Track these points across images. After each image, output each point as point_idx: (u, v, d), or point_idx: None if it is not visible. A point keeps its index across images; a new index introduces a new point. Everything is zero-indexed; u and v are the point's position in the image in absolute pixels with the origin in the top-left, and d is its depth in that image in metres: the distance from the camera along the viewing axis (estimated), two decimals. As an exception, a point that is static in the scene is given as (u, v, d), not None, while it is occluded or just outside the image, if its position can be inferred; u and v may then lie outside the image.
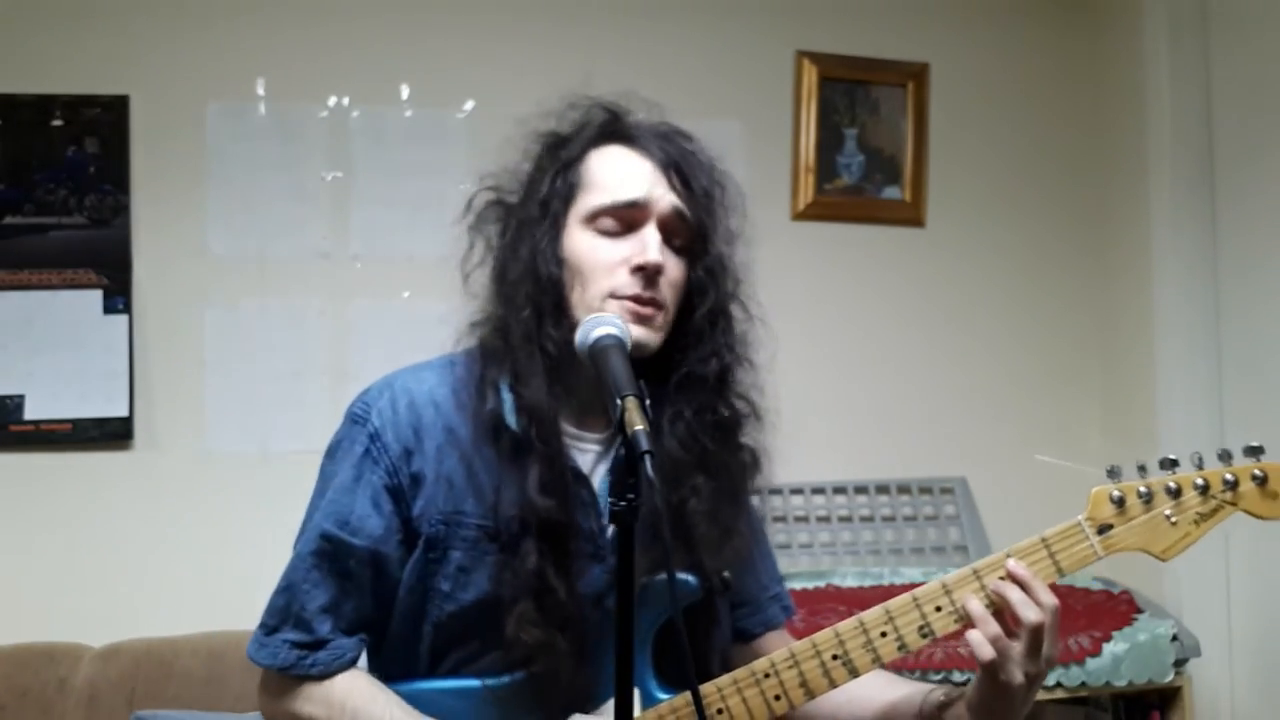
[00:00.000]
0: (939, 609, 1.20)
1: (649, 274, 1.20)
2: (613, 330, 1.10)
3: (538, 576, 1.16)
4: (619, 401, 0.98)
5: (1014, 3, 3.03)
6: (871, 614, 1.21)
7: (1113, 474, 1.23)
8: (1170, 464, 1.22)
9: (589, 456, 1.26)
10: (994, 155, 3.00)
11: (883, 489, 2.84)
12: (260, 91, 2.61)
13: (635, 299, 1.20)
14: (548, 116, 1.30)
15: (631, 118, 1.30)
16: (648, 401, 1.01)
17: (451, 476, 1.22)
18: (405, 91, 2.68)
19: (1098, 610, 2.42)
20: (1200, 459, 1.23)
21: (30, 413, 2.45)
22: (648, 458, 0.92)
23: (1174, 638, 2.33)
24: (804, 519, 2.78)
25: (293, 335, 2.59)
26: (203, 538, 2.48)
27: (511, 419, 1.20)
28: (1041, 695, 2.26)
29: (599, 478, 1.26)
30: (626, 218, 1.23)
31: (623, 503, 0.95)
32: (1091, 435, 2.96)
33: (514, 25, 2.71)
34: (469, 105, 2.68)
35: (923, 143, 2.95)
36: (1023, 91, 3.01)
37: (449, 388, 1.26)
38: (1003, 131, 3.00)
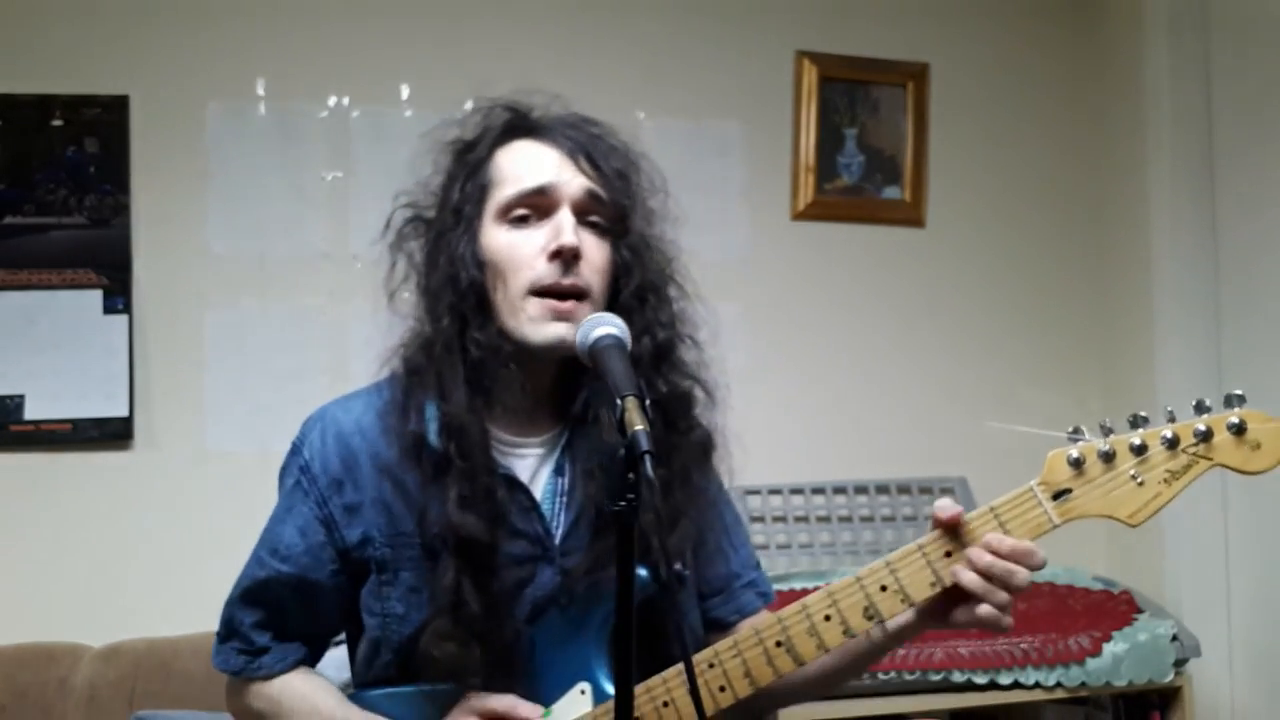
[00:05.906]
0: (884, 588, 1.14)
1: (566, 258, 1.18)
2: (612, 330, 1.10)
3: (453, 592, 1.16)
4: (619, 401, 0.98)
5: (1014, 3, 3.03)
6: (814, 597, 1.16)
7: (1076, 435, 1.13)
8: (1141, 421, 1.11)
9: (528, 462, 1.26)
10: (994, 155, 3.00)
11: (883, 489, 2.84)
12: (260, 91, 2.61)
13: (554, 292, 1.18)
14: (451, 125, 1.30)
15: (536, 111, 1.29)
16: (648, 401, 1.00)
17: (388, 501, 1.22)
18: (405, 91, 2.68)
19: (1098, 610, 2.40)
20: (1172, 414, 1.10)
21: (30, 413, 2.45)
22: (648, 458, 0.91)
23: (1174, 638, 2.32)
24: (804, 519, 2.78)
25: (293, 335, 2.59)
26: (203, 538, 2.47)
27: (434, 438, 1.19)
28: (1041, 695, 2.27)
29: (541, 482, 1.25)
30: (538, 205, 1.22)
31: (622, 503, 0.95)
32: (1091, 435, 2.95)
33: (514, 25, 2.70)
34: (469, 105, 2.67)
35: (923, 143, 2.95)
36: (1023, 91, 3.01)
37: (375, 413, 1.26)
38: (1003, 131, 3.00)
